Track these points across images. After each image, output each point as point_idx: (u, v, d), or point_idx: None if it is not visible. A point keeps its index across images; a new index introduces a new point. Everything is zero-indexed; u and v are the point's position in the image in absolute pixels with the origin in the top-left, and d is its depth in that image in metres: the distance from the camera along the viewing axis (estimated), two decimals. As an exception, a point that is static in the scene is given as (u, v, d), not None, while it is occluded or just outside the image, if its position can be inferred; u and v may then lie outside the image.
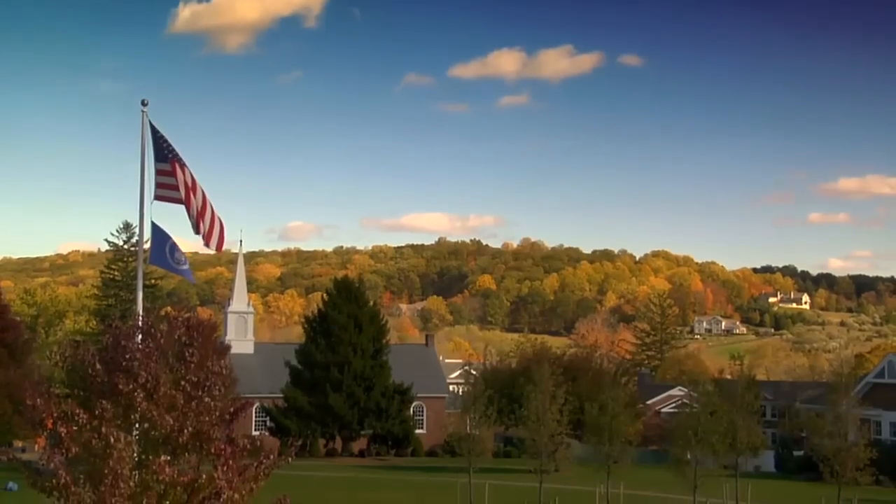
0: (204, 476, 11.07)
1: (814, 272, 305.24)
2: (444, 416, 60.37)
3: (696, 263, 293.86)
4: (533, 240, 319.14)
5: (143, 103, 15.88)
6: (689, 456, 29.43)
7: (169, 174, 15.70)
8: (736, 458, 33.70)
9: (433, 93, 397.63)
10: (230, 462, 11.04)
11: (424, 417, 67.00)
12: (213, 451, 11.18)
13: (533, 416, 28.30)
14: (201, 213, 15.55)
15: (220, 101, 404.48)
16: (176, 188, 15.63)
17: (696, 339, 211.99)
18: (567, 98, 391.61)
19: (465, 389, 40.89)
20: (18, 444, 49.59)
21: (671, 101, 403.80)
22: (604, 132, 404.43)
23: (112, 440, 10.59)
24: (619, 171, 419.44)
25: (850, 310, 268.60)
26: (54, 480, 10.84)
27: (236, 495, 11.02)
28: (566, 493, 32.59)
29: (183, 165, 15.57)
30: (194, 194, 15.47)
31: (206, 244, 15.86)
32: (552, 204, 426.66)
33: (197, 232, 15.53)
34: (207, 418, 11.28)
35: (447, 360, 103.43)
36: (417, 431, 64.36)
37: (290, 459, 12.10)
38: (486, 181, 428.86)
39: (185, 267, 16.36)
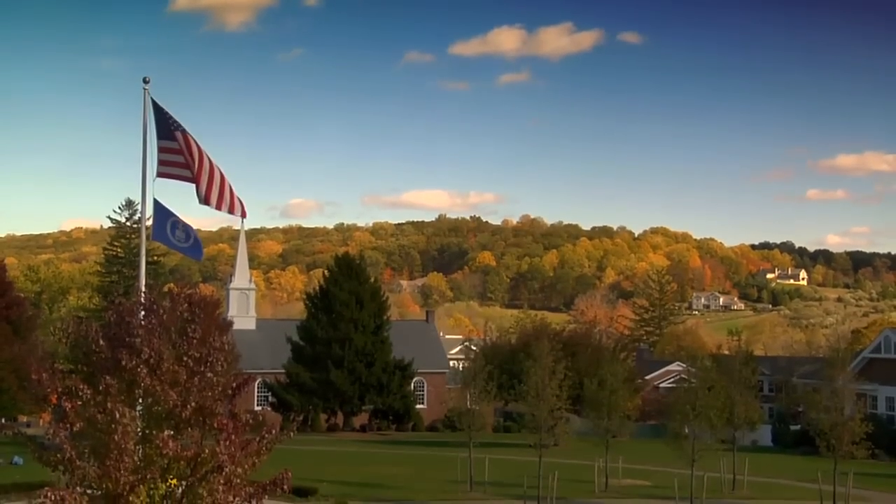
0: (207, 450, 11.20)
1: (811, 248, 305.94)
2: (444, 392, 60.74)
3: (695, 240, 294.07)
4: (532, 217, 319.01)
5: (145, 81, 15.93)
6: (686, 430, 29.64)
7: (171, 151, 15.76)
8: (733, 433, 33.98)
9: (434, 70, 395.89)
10: (232, 437, 11.17)
11: (425, 393, 67.39)
12: (215, 425, 11.32)
13: (532, 392, 28.48)
14: (210, 182, 15.45)
15: (221, 79, 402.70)
16: (178, 165, 15.71)
17: (695, 315, 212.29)
18: (567, 75, 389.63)
19: (466, 365, 41.09)
20: (23, 419, 49.96)
21: (670, 78, 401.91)
22: (603, 109, 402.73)
23: (116, 415, 10.72)
24: (618, 149, 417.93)
25: (847, 286, 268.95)
26: (59, 455, 10.99)
27: (238, 469, 11.16)
28: (565, 466, 32.87)
29: (189, 136, 15.57)
30: (201, 164, 15.41)
31: (230, 212, 15.80)
32: (552, 181, 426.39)
33: (207, 202, 15.49)
34: (210, 393, 11.41)
35: (447, 336, 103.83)
36: (418, 406, 64.77)
37: (291, 434, 12.23)
38: (487, 158, 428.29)
39: (187, 244, 16.42)
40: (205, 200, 15.52)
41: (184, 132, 15.54)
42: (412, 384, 64.57)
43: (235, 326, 59.58)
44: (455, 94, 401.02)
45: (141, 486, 10.71)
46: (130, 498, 10.69)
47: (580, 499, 29.76)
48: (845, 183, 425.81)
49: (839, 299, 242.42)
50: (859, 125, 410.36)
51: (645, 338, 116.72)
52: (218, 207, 15.73)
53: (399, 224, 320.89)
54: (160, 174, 15.86)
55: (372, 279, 68.05)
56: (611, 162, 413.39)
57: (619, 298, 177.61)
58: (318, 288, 66.36)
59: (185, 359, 11.46)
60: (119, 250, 71.94)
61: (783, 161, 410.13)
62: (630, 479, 35.27)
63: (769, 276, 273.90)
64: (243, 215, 16.35)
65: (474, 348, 64.49)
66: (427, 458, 43.72)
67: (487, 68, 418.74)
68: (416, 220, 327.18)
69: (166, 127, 15.83)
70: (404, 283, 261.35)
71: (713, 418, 29.74)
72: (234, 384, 12.14)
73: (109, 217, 74.24)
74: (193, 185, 15.75)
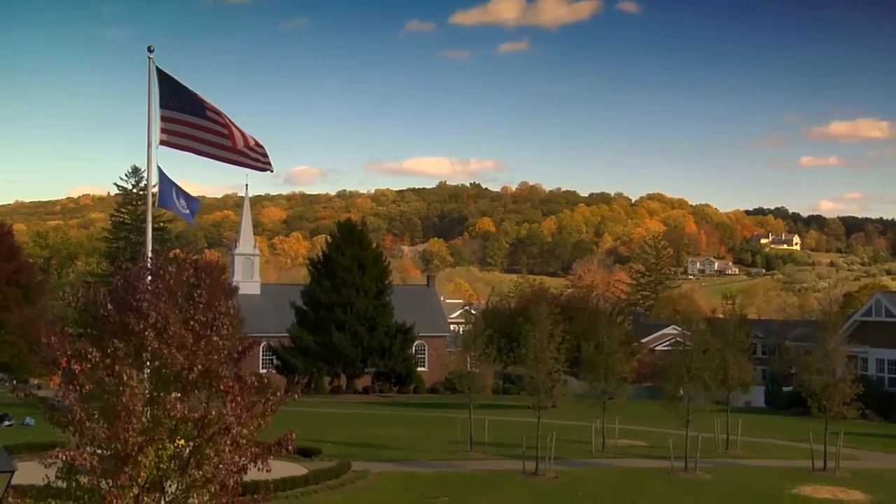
0: (213, 412, 11.37)
1: (805, 214, 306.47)
2: (445, 355, 61.26)
3: (690, 206, 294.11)
4: (531, 183, 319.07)
5: (150, 49, 16.04)
6: (681, 392, 30.05)
7: (173, 121, 15.98)
8: (727, 394, 34.46)
9: (434, 40, 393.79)
10: (238, 399, 11.37)
11: (426, 356, 67.93)
12: (221, 388, 11.52)
13: (531, 355, 28.81)
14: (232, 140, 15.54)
15: (225, 48, 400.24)
16: (180, 135, 15.94)
17: (690, 279, 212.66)
18: (566, 44, 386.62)
19: (466, 329, 41.48)
20: (35, 381, 50.54)
21: (667, 47, 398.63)
22: (601, 78, 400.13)
23: (125, 378, 10.91)
24: (615, 116, 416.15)
25: (839, 250, 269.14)
26: (69, 416, 11.17)
27: (245, 430, 11.37)
28: (564, 427, 33.38)
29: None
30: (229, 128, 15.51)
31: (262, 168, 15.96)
32: (551, 149, 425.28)
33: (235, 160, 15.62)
34: (216, 357, 11.64)
35: (448, 301, 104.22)
36: (419, 369, 65.39)
37: (296, 396, 12.40)
38: (487, 126, 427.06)
39: (187, 211, 16.67)
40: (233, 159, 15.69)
41: (200, 101, 15.68)
42: (413, 347, 65.09)
43: (240, 291, 59.98)
44: (456, 62, 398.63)
45: (149, 447, 10.88)
46: (139, 458, 10.87)
47: (578, 459, 30.29)
48: (838, 150, 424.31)
49: (832, 264, 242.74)
50: (852, 93, 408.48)
51: (641, 302, 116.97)
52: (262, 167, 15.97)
53: (400, 191, 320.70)
54: (163, 142, 16.08)
55: (374, 245, 68.33)
56: (608, 130, 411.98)
57: (615, 263, 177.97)
58: (320, 254, 66.65)
59: (191, 323, 11.69)
60: (126, 217, 72.06)
61: (777, 129, 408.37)
62: (626, 440, 35.85)
63: (763, 241, 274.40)
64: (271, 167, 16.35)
65: (474, 312, 64.84)
66: (428, 419, 44.28)
67: (487, 38, 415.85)
68: (417, 186, 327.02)
69: (169, 96, 16.00)
70: (406, 248, 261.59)
71: (708, 380, 30.16)
72: (240, 348, 12.35)
73: (116, 184, 74.37)
74: (195, 154, 16.00)
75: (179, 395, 11.55)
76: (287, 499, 21.76)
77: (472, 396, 32.52)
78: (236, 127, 15.62)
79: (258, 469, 11.65)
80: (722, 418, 34.03)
